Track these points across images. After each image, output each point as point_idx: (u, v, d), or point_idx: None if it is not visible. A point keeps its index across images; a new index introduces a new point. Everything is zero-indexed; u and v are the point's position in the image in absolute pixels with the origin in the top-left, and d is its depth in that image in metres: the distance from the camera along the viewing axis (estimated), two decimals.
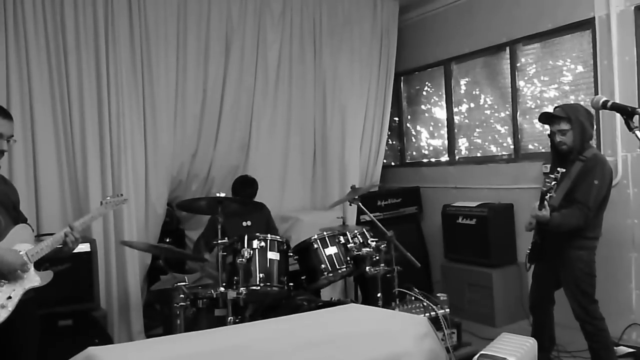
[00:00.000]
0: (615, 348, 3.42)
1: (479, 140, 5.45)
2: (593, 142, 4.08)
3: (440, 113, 5.86)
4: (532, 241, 3.34)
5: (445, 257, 5.18)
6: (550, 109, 3.42)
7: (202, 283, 4.28)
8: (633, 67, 3.95)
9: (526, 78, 4.89)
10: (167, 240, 3.64)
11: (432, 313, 3.52)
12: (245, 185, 4.30)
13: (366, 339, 2.02)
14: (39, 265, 2.48)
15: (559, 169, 2.99)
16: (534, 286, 3.49)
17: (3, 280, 2.32)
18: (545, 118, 3.28)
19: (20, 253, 2.39)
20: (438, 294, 3.77)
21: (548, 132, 3.30)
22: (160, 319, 4.35)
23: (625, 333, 3.93)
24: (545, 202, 3.03)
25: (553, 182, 2.98)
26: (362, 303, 4.12)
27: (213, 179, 4.85)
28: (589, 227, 3.16)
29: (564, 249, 3.19)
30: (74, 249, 2.61)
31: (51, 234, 3.07)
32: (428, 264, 5.57)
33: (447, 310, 3.60)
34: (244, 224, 4.13)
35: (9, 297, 2.31)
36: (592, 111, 3.71)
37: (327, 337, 2.03)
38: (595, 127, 3.29)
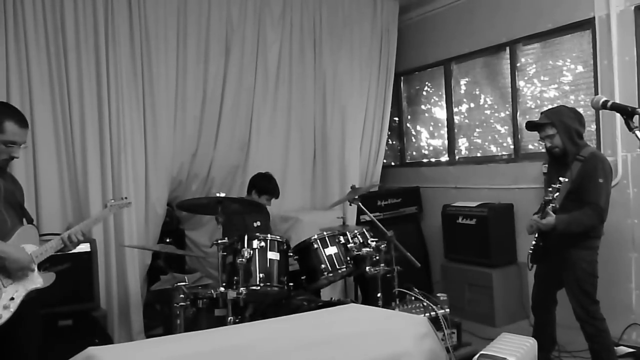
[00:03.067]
0: (615, 348, 3.42)
1: (479, 140, 5.45)
2: (593, 142, 4.10)
3: (440, 113, 5.86)
4: (534, 242, 3.33)
5: (445, 257, 5.18)
6: (540, 113, 3.44)
7: (202, 283, 4.28)
8: (633, 67, 3.94)
9: (526, 78, 4.89)
10: (167, 240, 3.63)
11: (432, 313, 3.51)
12: (275, 183, 4.22)
13: (366, 339, 2.02)
14: (40, 265, 2.49)
15: (561, 178, 3.00)
16: (536, 286, 3.49)
17: (7, 280, 2.33)
18: (531, 126, 3.32)
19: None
20: (438, 294, 3.76)
21: (539, 138, 3.33)
22: (160, 319, 4.35)
23: (625, 333, 3.93)
24: (548, 209, 3.04)
25: (556, 194, 2.99)
26: (362, 303, 4.12)
27: (213, 179, 4.85)
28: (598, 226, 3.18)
29: (567, 248, 3.19)
30: (74, 248, 2.62)
31: (51, 234, 3.08)
32: (428, 264, 5.57)
33: (447, 310, 3.59)
34: (255, 224, 4.12)
35: (12, 298, 2.32)
36: (591, 111, 3.72)
37: (327, 337, 2.03)
38: (585, 124, 3.30)
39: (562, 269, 3.26)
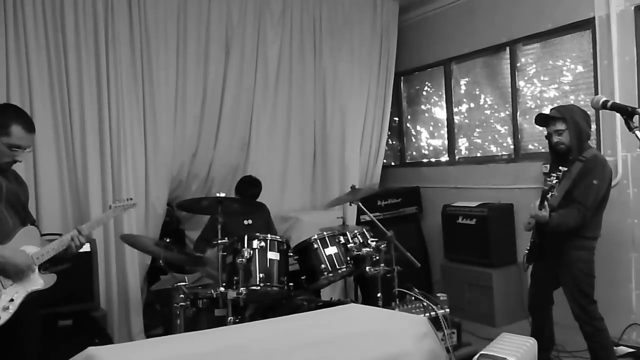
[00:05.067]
0: (615, 348, 3.42)
1: (479, 140, 5.45)
2: (593, 143, 4.10)
3: (440, 113, 5.86)
4: (531, 241, 3.34)
5: (445, 257, 5.18)
6: (550, 109, 3.44)
7: (202, 283, 4.28)
8: (633, 67, 3.94)
9: (526, 78, 4.89)
10: (168, 240, 3.63)
11: (432, 313, 3.52)
12: (249, 186, 4.31)
13: (366, 339, 2.02)
14: (40, 266, 2.48)
15: (561, 167, 2.99)
16: (533, 286, 3.50)
17: (7, 282, 2.32)
18: (541, 120, 3.31)
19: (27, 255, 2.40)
20: (438, 294, 3.76)
21: (546, 133, 3.32)
22: (160, 319, 4.35)
23: (625, 333, 3.93)
24: (546, 202, 3.03)
25: (555, 181, 2.97)
26: (362, 303, 4.12)
27: (213, 179, 4.85)
28: (589, 227, 3.16)
29: (564, 249, 3.19)
30: (77, 251, 2.62)
31: (52, 234, 3.07)
32: (428, 264, 5.57)
33: (447, 310, 3.60)
34: (245, 222, 4.13)
35: (11, 300, 2.32)
36: (591, 111, 3.71)
37: (327, 337, 2.03)
38: (592, 126, 3.30)
39: (558, 268, 3.26)
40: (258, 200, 4.31)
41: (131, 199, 3.02)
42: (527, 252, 3.34)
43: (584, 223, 3.12)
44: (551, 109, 3.35)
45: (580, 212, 3.08)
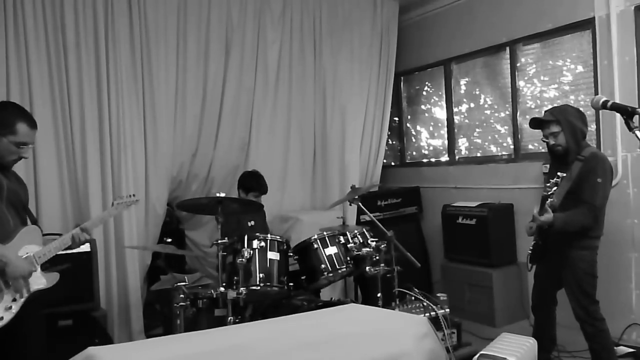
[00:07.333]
0: (615, 348, 3.42)
1: (479, 140, 5.45)
2: (593, 142, 4.10)
3: (440, 113, 5.86)
4: (534, 242, 3.33)
5: (445, 257, 5.18)
6: (544, 111, 3.44)
7: (202, 283, 4.29)
8: (633, 67, 3.94)
9: (526, 78, 4.89)
10: (168, 240, 3.63)
11: (432, 313, 3.52)
12: (260, 179, 4.22)
13: (366, 339, 2.02)
14: (40, 265, 2.48)
15: (559, 173, 2.99)
16: (536, 286, 3.49)
17: (10, 282, 2.32)
18: (535, 123, 3.30)
19: (28, 254, 2.39)
20: (438, 294, 3.77)
21: (542, 137, 3.32)
22: (160, 319, 4.35)
23: (625, 333, 3.93)
24: (546, 206, 3.03)
25: (554, 187, 2.98)
26: (362, 303, 4.12)
27: (213, 179, 4.85)
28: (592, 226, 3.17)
29: (567, 248, 3.19)
30: (78, 247, 2.62)
31: (52, 234, 3.07)
32: (428, 264, 5.57)
33: (447, 310, 3.60)
34: (249, 223, 4.12)
35: (14, 300, 2.32)
36: (590, 111, 3.70)
37: (327, 337, 2.03)
38: (588, 124, 3.29)
39: (561, 268, 3.26)
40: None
41: (133, 195, 3.01)
42: (530, 252, 3.34)
43: (596, 222, 3.13)
44: (544, 112, 3.35)
45: (590, 212, 3.09)
